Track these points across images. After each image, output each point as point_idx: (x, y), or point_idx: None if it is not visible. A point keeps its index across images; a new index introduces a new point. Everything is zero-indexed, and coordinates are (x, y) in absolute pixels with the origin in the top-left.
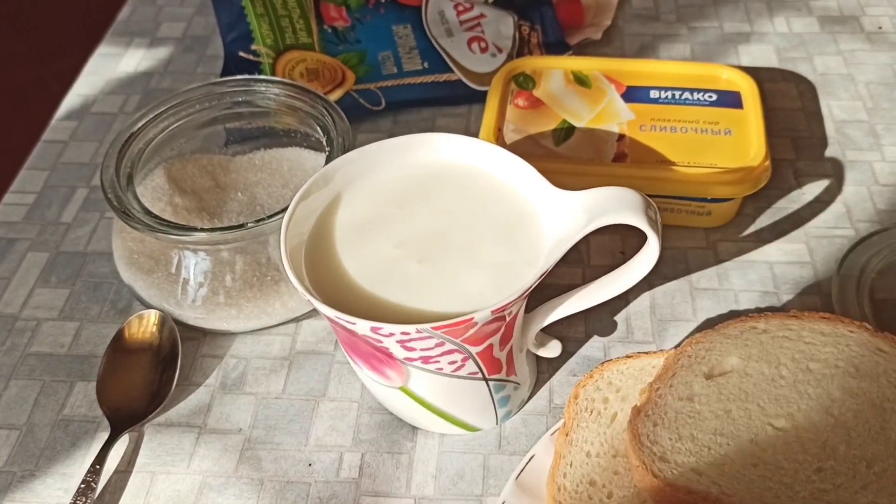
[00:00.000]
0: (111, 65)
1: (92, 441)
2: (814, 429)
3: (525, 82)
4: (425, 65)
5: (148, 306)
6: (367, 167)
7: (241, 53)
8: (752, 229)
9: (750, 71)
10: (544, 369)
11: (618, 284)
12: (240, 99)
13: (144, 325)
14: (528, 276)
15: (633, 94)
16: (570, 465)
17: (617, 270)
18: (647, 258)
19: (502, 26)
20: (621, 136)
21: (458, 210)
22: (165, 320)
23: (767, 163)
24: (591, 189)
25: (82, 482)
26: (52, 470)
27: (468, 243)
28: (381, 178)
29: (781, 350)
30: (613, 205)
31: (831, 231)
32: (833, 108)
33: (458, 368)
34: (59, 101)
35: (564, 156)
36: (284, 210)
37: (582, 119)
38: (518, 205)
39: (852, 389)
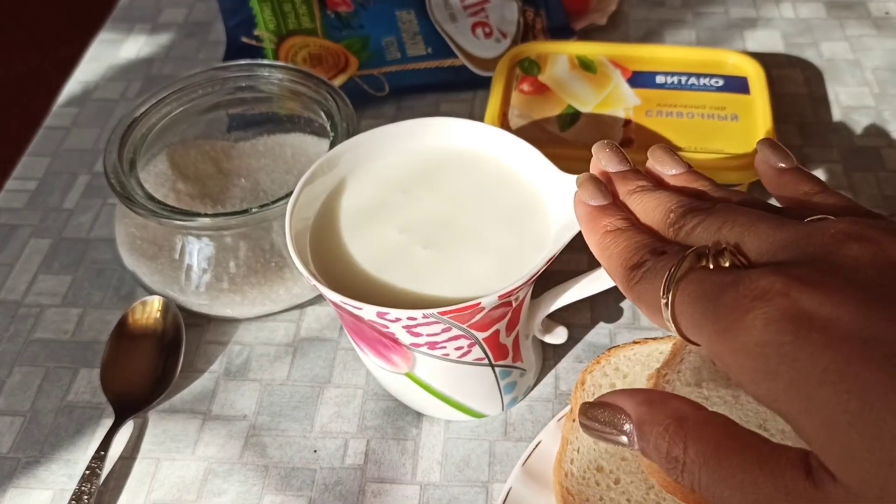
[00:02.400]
0: (112, 51)
1: (96, 427)
2: None
3: (530, 67)
4: (429, 50)
5: (151, 292)
6: (373, 152)
7: (244, 39)
8: None
9: (756, 57)
10: (550, 356)
11: None
12: (243, 84)
13: (148, 312)
14: (536, 261)
15: (639, 80)
16: (578, 451)
17: None
18: None
19: (506, 11)
20: (627, 122)
21: (463, 195)
22: (169, 306)
23: None
24: None
25: (87, 468)
26: (56, 456)
27: (474, 228)
28: (386, 162)
29: None
30: None
31: None
32: (840, 94)
33: (465, 354)
34: (60, 87)
35: (570, 141)
36: (288, 195)
37: (587, 104)
38: (524, 189)
39: None
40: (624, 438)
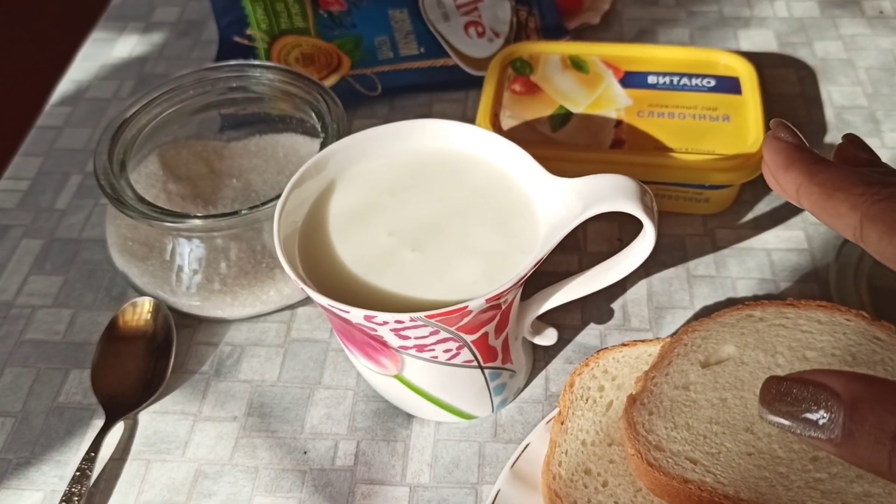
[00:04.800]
0: (105, 50)
1: (87, 428)
2: None
3: (522, 67)
4: (422, 50)
5: (142, 294)
6: (361, 154)
7: (236, 38)
8: (750, 216)
9: (749, 56)
10: (540, 357)
11: (614, 272)
12: (234, 84)
13: (139, 313)
14: (523, 265)
15: (631, 80)
16: (566, 454)
17: (613, 258)
18: (642, 246)
19: (499, 10)
20: (619, 123)
21: (452, 197)
22: (160, 308)
23: None
24: (586, 176)
25: (77, 470)
26: (47, 457)
27: (462, 231)
28: (374, 165)
29: (778, 338)
30: (608, 192)
31: None
32: (833, 94)
33: (453, 357)
34: (53, 86)
35: (561, 142)
36: (279, 197)
37: (579, 105)
38: (513, 192)
39: None
40: (821, 417)
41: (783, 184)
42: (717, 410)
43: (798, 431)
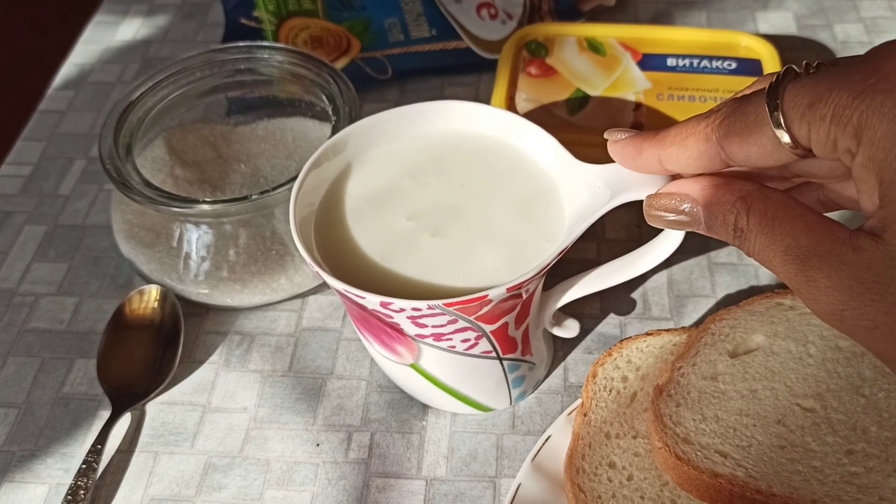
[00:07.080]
0: (108, 33)
1: (93, 420)
2: (844, 409)
3: (537, 50)
4: (433, 32)
5: (149, 281)
6: (380, 136)
7: (243, 20)
8: None
9: (768, 39)
10: (559, 346)
11: (642, 262)
12: (242, 67)
13: (146, 301)
14: (547, 253)
15: (650, 62)
16: (589, 447)
17: (641, 248)
18: (672, 237)
19: None
20: (638, 106)
21: (473, 182)
22: (167, 295)
23: None
24: (613, 163)
25: (83, 462)
26: (52, 449)
27: (484, 217)
28: (393, 147)
29: (809, 327)
30: (638, 180)
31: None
32: None
33: (471, 347)
34: (55, 70)
35: (579, 126)
36: (290, 182)
37: (597, 88)
38: (536, 177)
39: (883, 368)
40: (687, 218)
41: (644, 164)
42: (747, 402)
43: (675, 228)
